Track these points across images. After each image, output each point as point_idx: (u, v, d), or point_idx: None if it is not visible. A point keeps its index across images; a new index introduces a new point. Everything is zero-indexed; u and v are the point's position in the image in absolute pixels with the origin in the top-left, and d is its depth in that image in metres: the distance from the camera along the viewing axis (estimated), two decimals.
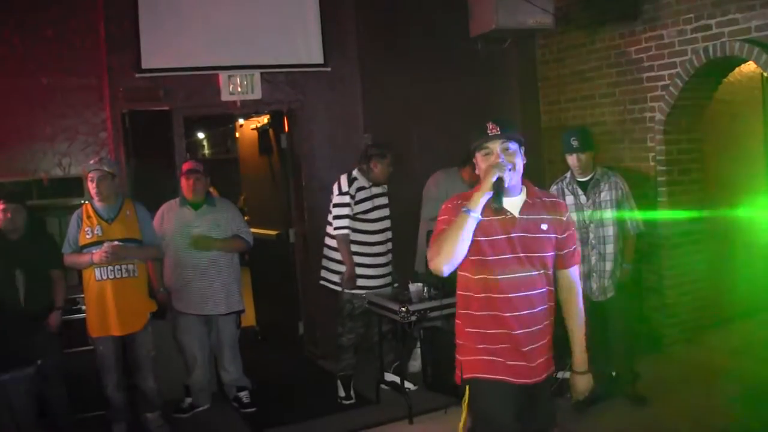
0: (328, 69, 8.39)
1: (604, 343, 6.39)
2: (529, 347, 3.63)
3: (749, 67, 7.30)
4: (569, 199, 6.33)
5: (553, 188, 6.48)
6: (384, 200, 7.20)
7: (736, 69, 7.50)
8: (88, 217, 6.12)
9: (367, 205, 7.02)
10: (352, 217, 6.94)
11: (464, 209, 3.44)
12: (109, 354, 6.14)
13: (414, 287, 6.61)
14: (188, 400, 7.00)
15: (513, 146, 3.61)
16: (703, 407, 6.13)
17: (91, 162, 6.18)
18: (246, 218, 7.99)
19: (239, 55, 8.01)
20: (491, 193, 3.44)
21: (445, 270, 3.47)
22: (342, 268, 6.99)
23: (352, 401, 7.05)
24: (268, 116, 9.16)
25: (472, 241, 3.51)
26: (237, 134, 10.89)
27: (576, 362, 3.86)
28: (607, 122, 8.22)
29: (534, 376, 3.66)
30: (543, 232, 3.66)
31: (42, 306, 6.18)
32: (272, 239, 9.08)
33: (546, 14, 7.85)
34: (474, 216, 3.42)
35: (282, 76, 8.28)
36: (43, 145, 7.40)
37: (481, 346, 3.67)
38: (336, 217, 6.95)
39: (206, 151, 17.93)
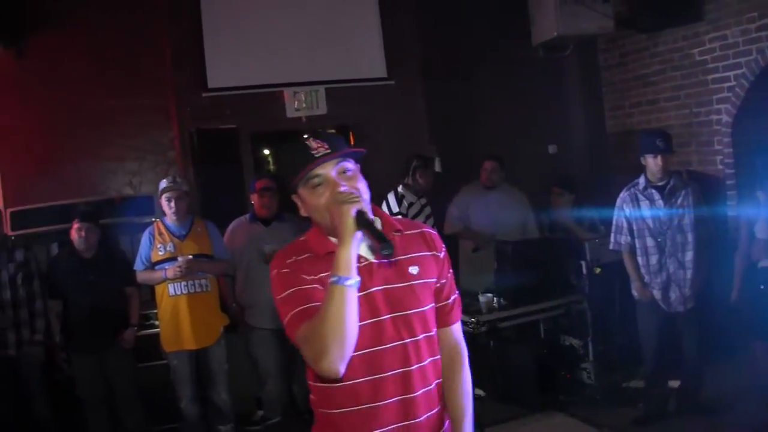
0: (392, 82, 8.44)
1: (678, 354, 6.25)
2: None
3: None
4: (644, 204, 6.09)
5: (624, 194, 6.21)
6: (430, 209, 7.28)
7: None
8: (160, 234, 6.22)
9: (422, 218, 7.08)
10: None
11: (334, 279, 2.37)
12: (183, 368, 6.22)
13: None
14: (260, 412, 7.05)
15: (351, 166, 2.60)
16: None
17: (165, 181, 6.24)
18: None
19: (303, 71, 8.12)
20: (360, 238, 2.47)
21: (343, 368, 2.39)
22: None
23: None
24: (334, 131, 9.22)
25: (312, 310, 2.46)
26: None
27: None
28: (673, 126, 8.07)
29: None
30: (414, 277, 2.62)
31: (115, 323, 6.30)
32: None
33: (606, 19, 7.88)
34: (352, 284, 2.38)
35: (346, 91, 8.33)
36: (113, 165, 7.56)
37: None
38: None
39: (272, 167, 18.01)
